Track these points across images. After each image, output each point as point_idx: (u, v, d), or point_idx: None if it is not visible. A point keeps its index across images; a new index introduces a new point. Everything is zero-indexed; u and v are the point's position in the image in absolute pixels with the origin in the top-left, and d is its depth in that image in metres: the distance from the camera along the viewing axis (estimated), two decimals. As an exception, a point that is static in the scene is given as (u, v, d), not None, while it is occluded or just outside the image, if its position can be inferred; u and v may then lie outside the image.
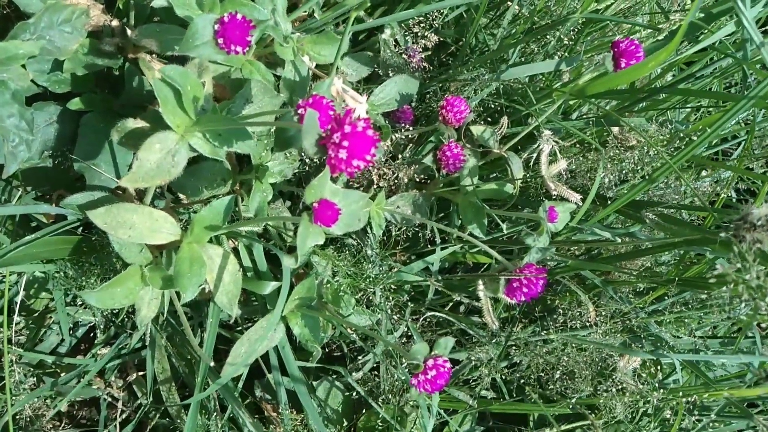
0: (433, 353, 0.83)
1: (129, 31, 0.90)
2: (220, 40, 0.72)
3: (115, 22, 1.00)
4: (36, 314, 1.20)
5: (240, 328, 1.18)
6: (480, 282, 0.92)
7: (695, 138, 1.00)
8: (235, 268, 0.92)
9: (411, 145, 1.22)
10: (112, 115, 1.02)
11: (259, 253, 1.00)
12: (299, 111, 0.72)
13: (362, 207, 0.78)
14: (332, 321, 0.93)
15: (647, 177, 1.05)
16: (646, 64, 0.79)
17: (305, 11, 0.98)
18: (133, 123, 0.83)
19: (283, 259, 0.78)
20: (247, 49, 0.74)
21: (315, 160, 1.03)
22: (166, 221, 0.86)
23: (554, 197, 1.01)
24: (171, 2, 0.83)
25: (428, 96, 1.28)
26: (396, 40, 1.23)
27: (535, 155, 1.01)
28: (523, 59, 1.29)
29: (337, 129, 0.60)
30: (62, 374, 1.21)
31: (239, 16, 0.73)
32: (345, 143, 0.59)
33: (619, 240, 1.01)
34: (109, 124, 1.02)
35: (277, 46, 0.90)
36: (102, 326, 1.20)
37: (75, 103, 0.98)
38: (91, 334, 1.26)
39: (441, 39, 1.25)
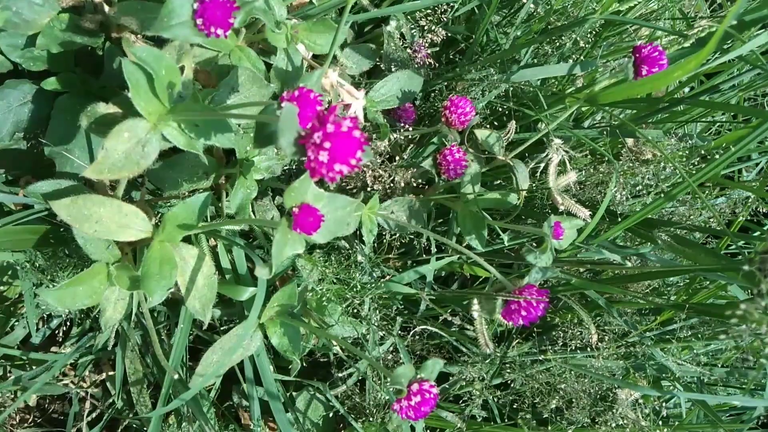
0: (418, 376, 0.76)
1: (107, 8, 0.83)
2: (199, 21, 0.65)
3: (97, -2, 0.92)
4: (8, 302, 1.14)
5: (224, 327, 1.11)
6: (475, 300, 0.85)
7: (716, 155, 0.92)
8: (211, 271, 0.85)
9: (411, 145, 1.14)
10: (91, 97, 0.95)
11: (239, 254, 0.93)
12: (283, 104, 0.64)
13: (349, 213, 0.71)
14: (314, 333, 0.86)
15: (662, 194, 0.98)
16: (671, 73, 0.71)
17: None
18: (105, 108, 0.76)
19: (257, 267, 0.71)
20: (229, 32, 0.67)
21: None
22: (136, 217, 0.79)
23: (561, 212, 0.93)
24: (153, -22, 0.76)
25: (433, 94, 1.20)
26: (402, 33, 1.16)
27: (543, 165, 0.93)
28: (535, 60, 1.22)
29: (318, 127, 0.53)
30: (33, 367, 1.14)
31: (221, -4, 0.66)
32: (327, 144, 0.52)
33: (629, 264, 0.93)
34: (86, 107, 0.96)
35: (268, 32, 0.83)
36: (77, 319, 1.13)
37: (50, 83, 0.91)
38: (68, 324, 1.19)
39: (449, 35, 1.17)
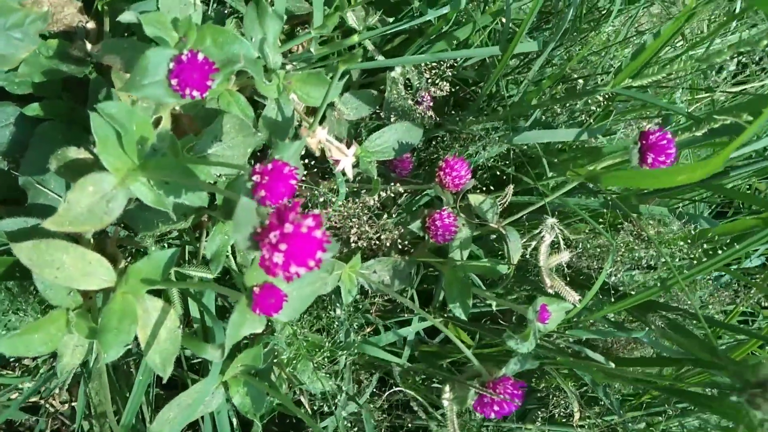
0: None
1: (89, 46, 0.80)
2: (174, 81, 0.61)
3: (90, 24, 0.89)
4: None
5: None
6: (447, 388, 0.80)
7: (721, 247, 0.87)
8: (175, 325, 0.81)
9: (405, 194, 1.10)
10: (75, 126, 0.92)
11: (210, 301, 0.89)
12: (254, 178, 0.60)
13: (316, 290, 0.67)
14: (275, 397, 0.82)
15: (659, 280, 0.93)
16: (674, 176, 0.66)
17: (300, 43, 0.86)
18: (75, 153, 0.73)
19: (208, 349, 0.67)
20: (206, 94, 0.63)
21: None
22: (100, 265, 0.76)
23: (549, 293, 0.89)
24: (141, 19, 0.72)
25: (435, 141, 1.16)
26: (408, 79, 1.12)
27: (535, 242, 0.89)
28: (543, 117, 1.17)
29: (276, 225, 0.49)
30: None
31: (200, 57, 0.62)
32: (282, 246, 0.48)
33: (611, 364, 0.89)
34: (68, 136, 0.93)
35: (258, 82, 0.79)
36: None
37: (32, 109, 0.88)
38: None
39: (455, 86, 1.13)
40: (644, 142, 0.79)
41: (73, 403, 1.16)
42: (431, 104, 1.06)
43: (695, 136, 0.81)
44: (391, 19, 1.25)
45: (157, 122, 0.74)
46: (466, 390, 0.78)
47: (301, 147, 0.71)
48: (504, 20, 1.09)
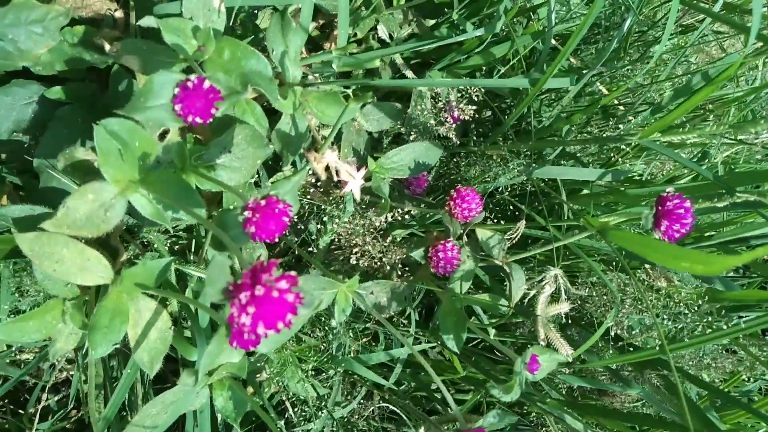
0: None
1: (107, 47, 0.79)
2: (178, 107, 0.61)
3: (119, 13, 0.89)
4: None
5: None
6: (422, 429, 0.80)
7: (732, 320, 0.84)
8: (166, 326, 0.82)
9: (419, 209, 1.09)
10: (95, 112, 0.92)
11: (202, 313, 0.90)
12: (245, 213, 0.60)
13: (302, 320, 0.67)
14: (250, 404, 0.83)
15: (662, 335, 0.90)
16: (678, 260, 0.63)
17: (322, 60, 0.85)
18: (83, 153, 0.74)
19: (183, 374, 0.68)
20: (210, 120, 0.63)
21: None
22: (98, 262, 0.77)
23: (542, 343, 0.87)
24: (161, 25, 0.72)
25: (455, 160, 1.13)
26: (436, 93, 1.09)
27: (537, 288, 0.87)
28: (571, 149, 1.13)
29: (248, 286, 0.48)
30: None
31: (206, 84, 0.61)
32: (250, 309, 0.48)
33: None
34: (88, 121, 0.93)
35: (272, 101, 0.78)
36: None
37: (55, 92, 0.89)
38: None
39: (484, 105, 1.10)
40: (660, 208, 0.76)
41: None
42: (453, 125, 1.04)
43: (715, 206, 0.77)
44: (430, 22, 1.21)
45: (165, 133, 0.74)
46: (440, 433, 0.78)
47: (297, 184, 0.70)
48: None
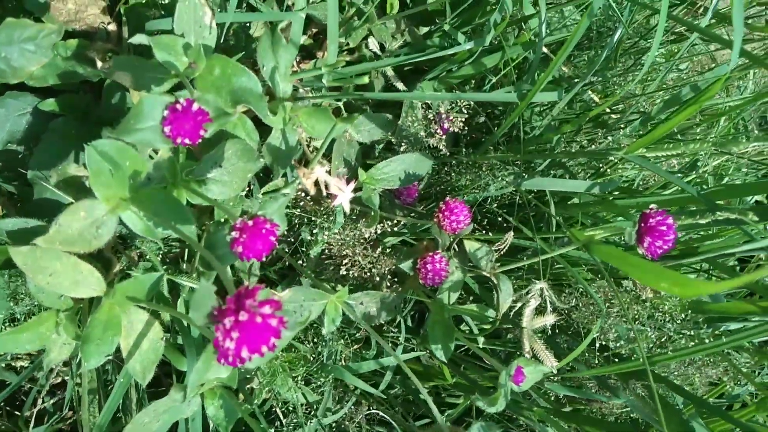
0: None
1: (99, 63, 0.80)
2: (167, 129, 0.62)
3: (112, 26, 0.90)
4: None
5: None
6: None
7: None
8: (158, 336, 0.84)
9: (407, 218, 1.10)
10: (89, 123, 0.93)
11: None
12: (233, 234, 0.61)
13: (291, 335, 0.68)
14: (246, 417, 0.84)
15: (649, 345, 0.92)
16: (658, 280, 0.64)
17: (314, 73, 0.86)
18: (75, 170, 0.75)
19: (172, 390, 0.70)
20: (199, 141, 0.64)
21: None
22: (91, 275, 0.78)
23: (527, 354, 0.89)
24: (152, 43, 0.73)
25: (445, 169, 1.15)
26: (427, 103, 1.10)
27: (523, 300, 0.88)
28: (561, 160, 1.14)
29: (232, 312, 0.50)
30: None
31: (195, 107, 0.62)
32: (234, 334, 0.49)
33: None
34: (81, 133, 0.94)
35: (262, 117, 0.79)
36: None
37: (48, 104, 0.90)
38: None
39: (475, 114, 1.11)
40: (643, 224, 0.77)
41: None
42: (444, 136, 1.05)
43: (698, 223, 0.78)
44: (423, 30, 1.22)
45: (157, 150, 0.75)
46: (426, 445, 0.79)
47: (284, 203, 0.71)
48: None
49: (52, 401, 1.23)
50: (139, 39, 0.74)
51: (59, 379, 1.23)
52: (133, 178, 0.67)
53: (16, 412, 1.24)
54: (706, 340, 0.83)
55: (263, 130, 0.90)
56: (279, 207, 0.70)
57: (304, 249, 0.98)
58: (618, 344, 0.97)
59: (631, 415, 1.18)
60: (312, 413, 1.01)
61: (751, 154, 1.09)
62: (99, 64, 0.81)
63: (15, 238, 0.80)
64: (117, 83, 0.91)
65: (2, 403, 1.25)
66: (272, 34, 0.81)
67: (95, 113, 0.93)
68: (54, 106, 0.91)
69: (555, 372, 0.87)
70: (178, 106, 0.62)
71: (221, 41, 0.98)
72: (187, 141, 0.63)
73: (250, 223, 0.62)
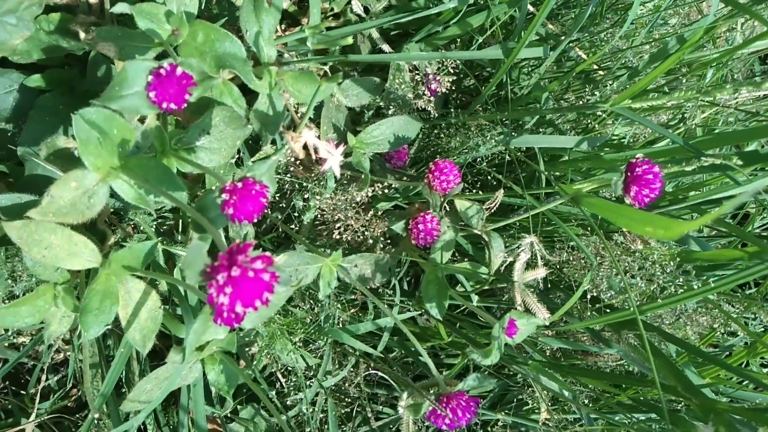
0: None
1: (82, 35, 0.80)
2: (152, 94, 0.62)
3: (93, -1, 0.89)
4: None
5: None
6: (405, 395, 0.83)
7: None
8: (156, 305, 0.85)
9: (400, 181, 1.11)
10: (76, 97, 0.93)
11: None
12: (223, 196, 0.62)
13: (287, 294, 0.70)
14: (247, 380, 0.86)
15: (640, 295, 0.94)
16: (643, 225, 0.65)
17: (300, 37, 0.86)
18: (64, 141, 0.75)
19: (170, 353, 0.71)
20: (184, 105, 0.64)
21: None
22: (86, 247, 0.79)
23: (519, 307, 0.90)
24: (134, 11, 0.73)
25: (435, 132, 1.15)
26: (415, 65, 1.10)
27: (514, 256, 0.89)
28: (550, 116, 1.15)
29: (225, 266, 0.51)
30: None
31: (179, 71, 0.62)
32: (228, 289, 0.50)
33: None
34: (69, 107, 0.94)
35: (248, 81, 0.79)
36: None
37: (34, 80, 0.90)
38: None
39: (463, 74, 1.11)
40: (629, 174, 0.78)
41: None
42: (432, 98, 1.05)
43: (684, 170, 0.79)
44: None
45: (144, 118, 0.76)
46: (422, 398, 0.81)
47: (273, 165, 0.72)
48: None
49: (55, 378, 1.25)
50: (120, 8, 0.74)
51: (61, 356, 1.25)
52: (122, 146, 0.68)
53: (22, 391, 1.26)
54: (695, 286, 0.85)
55: (250, 97, 0.90)
56: (268, 168, 0.71)
57: (297, 215, 0.99)
58: (609, 295, 0.99)
59: (627, 368, 1.21)
60: (311, 375, 1.03)
61: (739, 103, 1.09)
62: (82, 36, 0.81)
63: (9, 213, 0.80)
64: (102, 55, 0.91)
65: (7, 383, 1.27)
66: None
67: (81, 87, 0.93)
68: (40, 82, 0.90)
69: (548, 324, 0.89)
70: (162, 71, 0.62)
71: (204, 9, 0.98)
72: (172, 105, 0.63)
73: (240, 185, 0.63)
